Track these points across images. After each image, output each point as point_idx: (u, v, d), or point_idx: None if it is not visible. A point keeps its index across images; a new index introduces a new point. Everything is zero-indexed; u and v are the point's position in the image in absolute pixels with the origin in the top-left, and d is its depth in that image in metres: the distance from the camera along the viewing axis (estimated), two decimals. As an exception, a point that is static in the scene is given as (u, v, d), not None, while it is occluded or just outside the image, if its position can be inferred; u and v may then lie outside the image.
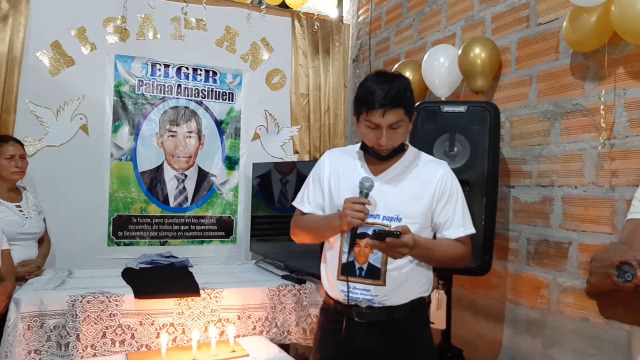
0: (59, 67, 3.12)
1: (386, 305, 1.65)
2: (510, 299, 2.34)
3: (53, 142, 3.11)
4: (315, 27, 3.71)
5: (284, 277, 2.71)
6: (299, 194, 1.85)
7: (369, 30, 3.59)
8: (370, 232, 1.57)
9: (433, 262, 1.71)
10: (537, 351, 2.19)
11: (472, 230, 1.70)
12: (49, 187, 3.03)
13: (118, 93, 3.25)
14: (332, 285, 1.72)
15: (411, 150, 1.74)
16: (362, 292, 1.65)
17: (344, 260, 1.67)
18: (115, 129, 3.25)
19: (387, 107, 1.55)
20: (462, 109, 2.17)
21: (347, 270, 1.66)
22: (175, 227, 3.39)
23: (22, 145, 2.66)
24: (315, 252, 2.62)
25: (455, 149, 2.19)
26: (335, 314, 1.73)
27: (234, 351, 2.23)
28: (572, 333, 2.03)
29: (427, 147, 2.18)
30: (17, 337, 2.10)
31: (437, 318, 2.31)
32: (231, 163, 3.55)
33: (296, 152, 3.70)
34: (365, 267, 1.65)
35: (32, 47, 3.05)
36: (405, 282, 1.66)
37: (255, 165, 3.45)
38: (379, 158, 1.68)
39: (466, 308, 2.58)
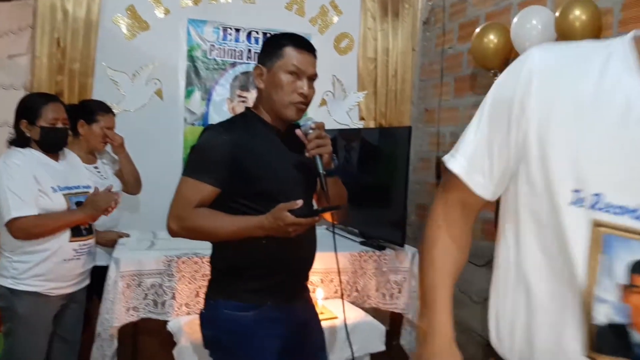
0: (134, 32, 3.13)
1: None
2: None
3: (129, 107, 3.15)
4: (385, -12, 3.59)
5: (362, 243, 2.72)
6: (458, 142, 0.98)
7: (442, -9, 3.45)
8: None
9: None
10: None
11: None
12: (126, 151, 3.09)
13: (191, 58, 3.25)
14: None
15: None
16: None
17: (602, 318, 0.78)
18: (188, 94, 3.26)
19: None
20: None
21: (608, 343, 0.78)
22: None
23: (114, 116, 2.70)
24: (390, 220, 2.63)
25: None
26: None
27: (322, 313, 2.28)
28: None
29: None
30: (117, 294, 2.19)
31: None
32: (298, 129, 3.54)
33: (362, 118, 3.66)
34: None
35: (108, 11, 3.06)
36: None
37: (323, 131, 3.43)
38: None
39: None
